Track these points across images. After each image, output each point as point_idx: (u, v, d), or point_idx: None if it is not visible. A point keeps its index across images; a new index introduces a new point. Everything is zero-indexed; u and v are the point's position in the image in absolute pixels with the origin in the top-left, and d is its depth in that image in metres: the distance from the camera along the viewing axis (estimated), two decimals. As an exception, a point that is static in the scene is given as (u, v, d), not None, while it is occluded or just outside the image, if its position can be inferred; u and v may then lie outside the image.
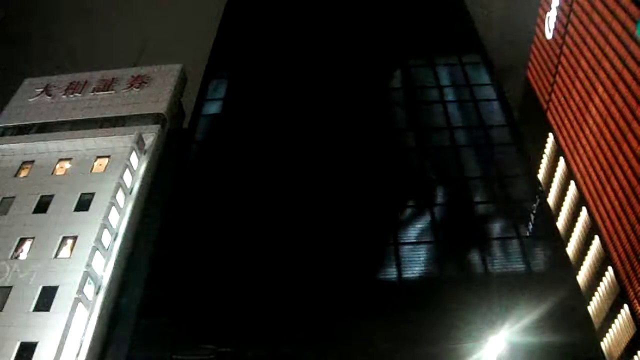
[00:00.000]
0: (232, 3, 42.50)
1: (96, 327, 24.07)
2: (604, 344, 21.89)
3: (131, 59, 41.16)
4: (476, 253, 22.79)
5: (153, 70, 37.26)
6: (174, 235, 25.09)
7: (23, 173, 31.95)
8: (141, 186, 30.48)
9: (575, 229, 25.42)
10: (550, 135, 28.61)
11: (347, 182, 26.65)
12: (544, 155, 29.34)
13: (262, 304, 22.19)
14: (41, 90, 36.95)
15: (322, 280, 22.54)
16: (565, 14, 26.84)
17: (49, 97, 36.38)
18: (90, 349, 23.35)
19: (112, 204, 27.76)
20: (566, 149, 26.49)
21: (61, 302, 24.35)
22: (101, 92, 35.92)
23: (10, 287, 25.42)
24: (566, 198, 26.45)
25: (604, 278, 22.58)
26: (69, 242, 27.28)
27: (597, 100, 23.29)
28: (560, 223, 26.67)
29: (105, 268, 26.22)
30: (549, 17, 28.99)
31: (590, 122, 23.84)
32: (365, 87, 32.79)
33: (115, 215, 28.03)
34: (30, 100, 36.37)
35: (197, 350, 20.72)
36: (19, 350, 23.27)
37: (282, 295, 22.28)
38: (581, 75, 24.84)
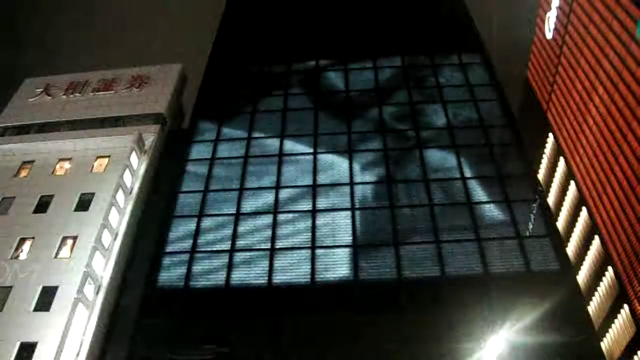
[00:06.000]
0: (232, 3, 42.52)
1: (96, 327, 24.06)
2: (604, 344, 21.87)
3: (131, 59, 41.11)
4: (476, 253, 22.80)
5: (153, 70, 37.25)
6: (174, 232, 25.19)
7: (23, 173, 31.92)
8: (141, 186, 30.47)
9: (575, 229, 25.40)
10: (550, 135, 28.59)
11: (347, 182, 26.70)
12: (544, 155, 29.31)
13: (261, 302, 22.21)
14: (41, 90, 36.94)
15: (320, 281, 22.56)
16: (565, 14, 26.83)
17: (49, 97, 36.38)
18: (90, 349, 23.34)
19: (112, 204, 27.75)
20: (566, 149, 26.47)
21: (61, 302, 24.33)
22: (101, 92, 35.92)
23: (10, 287, 25.40)
24: (566, 198, 26.43)
25: (604, 278, 22.57)
26: (69, 242, 27.26)
27: (597, 100, 23.28)
28: (560, 223, 26.65)
29: (105, 268, 26.22)
30: (549, 17, 28.97)
31: (590, 122, 23.83)
32: (364, 86, 32.83)
33: (115, 215, 28.03)
34: (30, 100, 36.36)
35: (197, 350, 20.72)
36: (19, 350, 23.26)
37: (280, 294, 22.29)
38: (581, 75, 24.83)
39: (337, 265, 23.03)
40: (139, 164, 31.22)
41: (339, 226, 24.55)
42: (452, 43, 35.16)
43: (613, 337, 21.52)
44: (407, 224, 24.34)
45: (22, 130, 34.39)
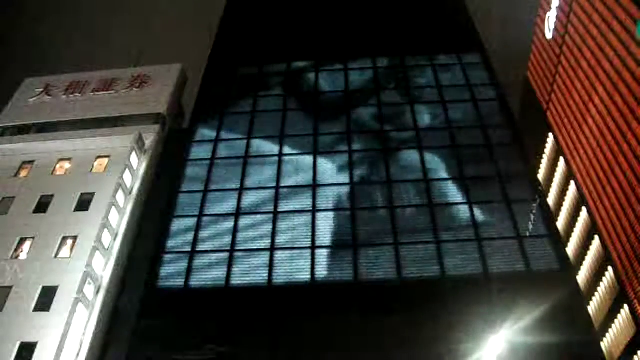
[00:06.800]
0: (232, 3, 42.53)
1: (96, 327, 24.07)
2: (604, 344, 21.89)
3: (131, 59, 41.12)
4: (476, 253, 22.79)
5: (153, 70, 37.24)
6: (174, 232, 25.19)
7: (23, 173, 31.91)
8: (141, 186, 30.48)
9: (575, 229, 25.43)
10: (550, 135, 28.60)
11: (348, 182, 26.70)
12: (544, 155, 29.33)
13: (261, 302, 22.22)
14: (41, 90, 36.92)
15: (321, 280, 22.56)
16: (565, 14, 26.84)
17: (49, 97, 36.37)
18: (90, 349, 23.34)
19: (112, 204, 27.76)
20: (566, 149, 26.49)
21: (61, 302, 24.34)
22: (101, 92, 35.91)
23: (10, 287, 25.40)
24: (566, 198, 26.45)
25: (604, 278, 22.59)
26: (69, 242, 27.26)
27: (597, 100, 23.30)
28: (560, 223, 26.66)
29: (105, 268, 26.23)
30: (549, 17, 28.99)
31: (590, 122, 23.85)
32: (364, 87, 32.84)
33: (115, 215, 28.03)
34: (30, 100, 36.35)
35: (197, 350, 20.72)
36: (19, 350, 23.26)
37: (281, 292, 22.29)
38: (581, 75, 24.85)
39: (336, 265, 23.03)
40: (139, 164, 31.23)
41: (339, 226, 24.56)
42: (452, 43, 35.16)
43: (613, 337, 21.53)
44: (407, 224, 24.34)
45: (22, 130, 34.37)
